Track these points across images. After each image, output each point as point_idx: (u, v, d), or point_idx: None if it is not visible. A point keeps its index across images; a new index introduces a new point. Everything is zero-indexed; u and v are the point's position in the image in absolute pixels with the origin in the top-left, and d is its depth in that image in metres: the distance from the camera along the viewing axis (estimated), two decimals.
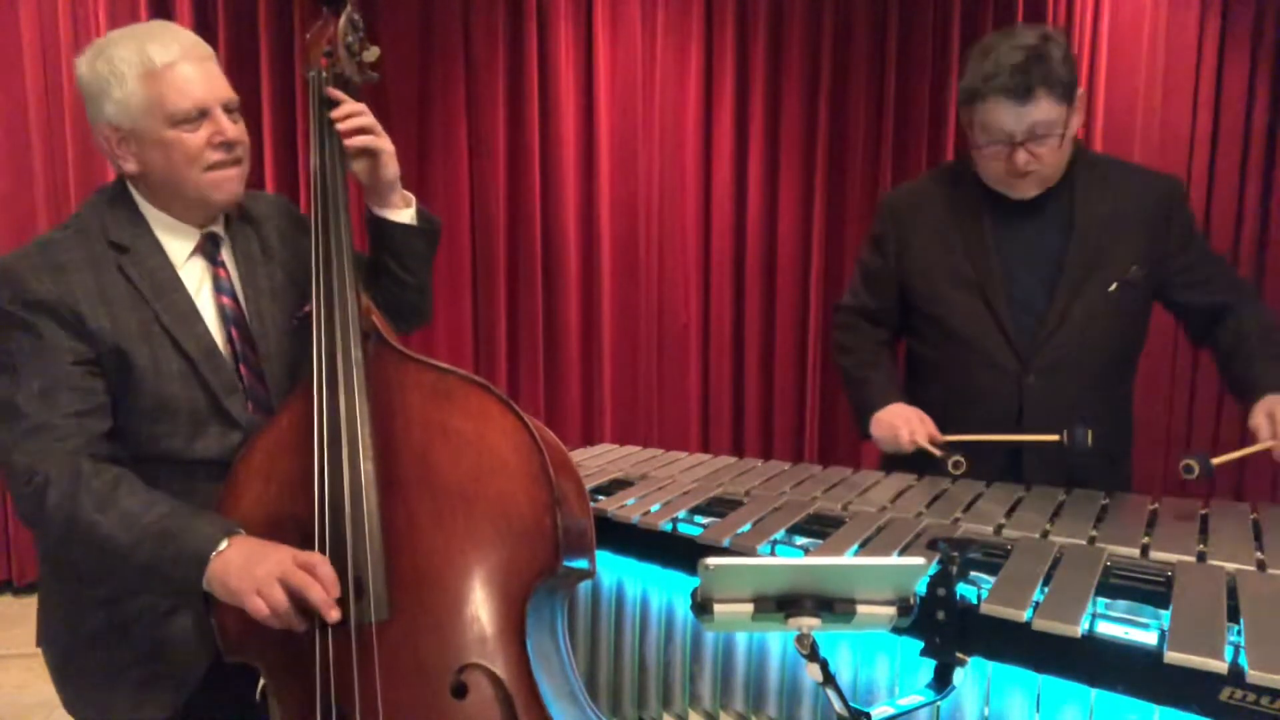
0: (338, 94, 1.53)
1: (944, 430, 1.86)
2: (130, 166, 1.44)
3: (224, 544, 1.30)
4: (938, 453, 1.81)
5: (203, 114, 1.41)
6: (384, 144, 1.54)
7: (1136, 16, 4.00)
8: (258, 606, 1.25)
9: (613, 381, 4.25)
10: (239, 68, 3.72)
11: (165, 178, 1.44)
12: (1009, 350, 1.88)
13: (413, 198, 1.64)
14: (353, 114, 1.52)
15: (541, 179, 4.07)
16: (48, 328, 1.36)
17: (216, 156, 1.43)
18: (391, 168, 1.56)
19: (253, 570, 1.27)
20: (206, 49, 1.46)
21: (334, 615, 1.27)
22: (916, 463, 1.88)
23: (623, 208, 4.17)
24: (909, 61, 4.15)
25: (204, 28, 3.71)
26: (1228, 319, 1.90)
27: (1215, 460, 1.60)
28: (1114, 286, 1.85)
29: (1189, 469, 1.58)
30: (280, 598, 1.25)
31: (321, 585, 1.26)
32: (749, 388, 4.37)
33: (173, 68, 1.39)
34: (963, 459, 1.78)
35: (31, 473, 1.33)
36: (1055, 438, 1.76)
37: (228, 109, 1.44)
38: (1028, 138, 1.74)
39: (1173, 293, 1.92)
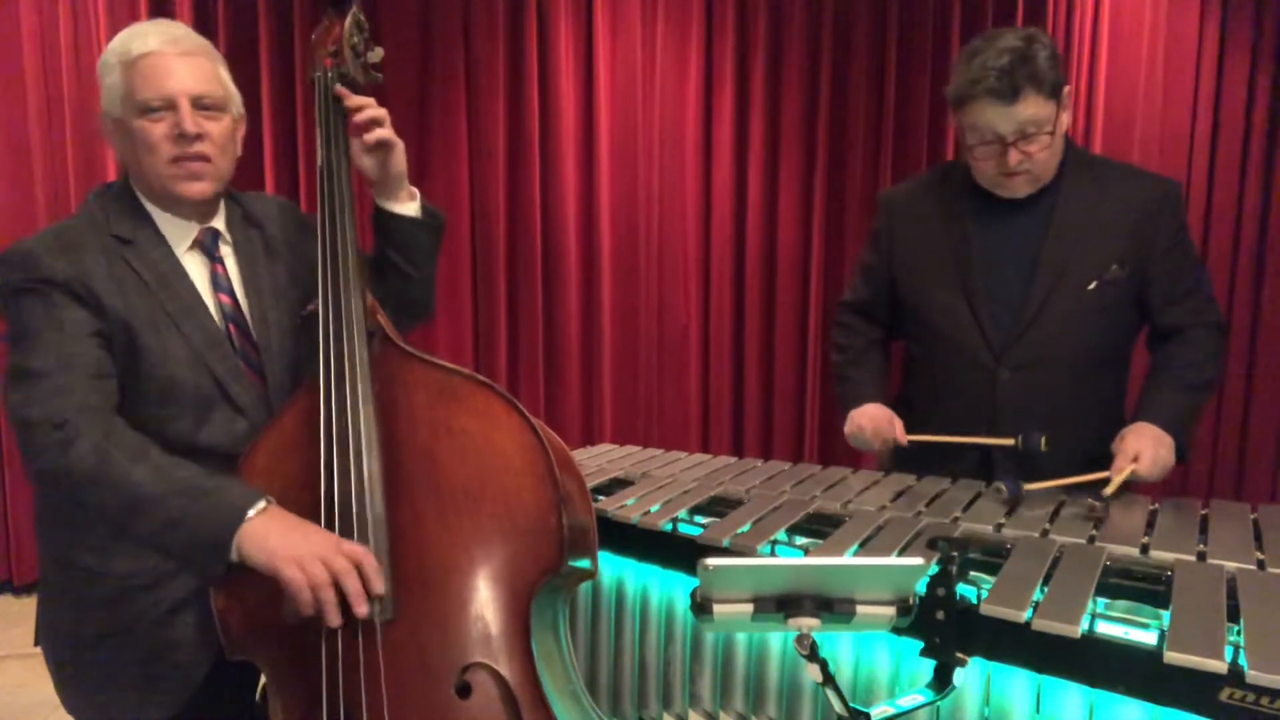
0: (347, 92, 1.54)
1: (925, 425, 1.92)
2: (118, 155, 1.49)
3: (263, 504, 1.30)
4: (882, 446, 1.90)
5: (168, 106, 1.42)
6: (396, 137, 1.56)
7: (1136, 16, 3.99)
8: (294, 575, 1.24)
9: (613, 381, 4.25)
10: (239, 68, 3.70)
11: (136, 168, 1.47)
12: (984, 345, 1.90)
13: (417, 191, 1.66)
14: (367, 107, 1.54)
15: (541, 179, 4.07)
16: (64, 302, 1.38)
17: (174, 150, 1.43)
18: (402, 161, 1.58)
19: (296, 539, 1.27)
20: (196, 44, 1.48)
21: (363, 609, 1.27)
22: (910, 461, 1.91)
23: (623, 208, 4.17)
24: (909, 61, 4.15)
25: (204, 28, 3.70)
26: (1173, 340, 1.90)
27: (1028, 486, 1.66)
28: (1093, 285, 1.85)
29: (998, 490, 1.63)
30: (322, 574, 1.24)
31: (366, 579, 1.27)
32: (749, 388, 4.37)
33: (146, 58, 1.42)
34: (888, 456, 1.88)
35: (59, 424, 1.31)
36: (1011, 441, 1.80)
37: (202, 105, 1.45)
38: (1018, 137, 1.76)
39: (1145, 297, 1.90)
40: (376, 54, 1.63)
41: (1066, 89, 1.79)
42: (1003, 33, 1.78)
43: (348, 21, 1.58)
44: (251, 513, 1.28)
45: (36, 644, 1.55)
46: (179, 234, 1.51)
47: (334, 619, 1.26)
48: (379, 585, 1.28)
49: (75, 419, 1.31)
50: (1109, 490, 1.62)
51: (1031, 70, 1.71)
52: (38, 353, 1.36)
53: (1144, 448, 1.73)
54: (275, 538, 1.27)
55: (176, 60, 1.44)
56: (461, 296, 4.08)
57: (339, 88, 1.54)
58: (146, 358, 1.42)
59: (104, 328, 1.40)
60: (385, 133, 1.53)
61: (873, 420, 1.94)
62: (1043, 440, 1.77)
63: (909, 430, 1.93)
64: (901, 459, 1.95)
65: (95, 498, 1.31)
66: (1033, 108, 1.73)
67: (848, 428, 1.99)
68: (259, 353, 1.53)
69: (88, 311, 1.39)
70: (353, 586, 1.26)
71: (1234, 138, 4.01)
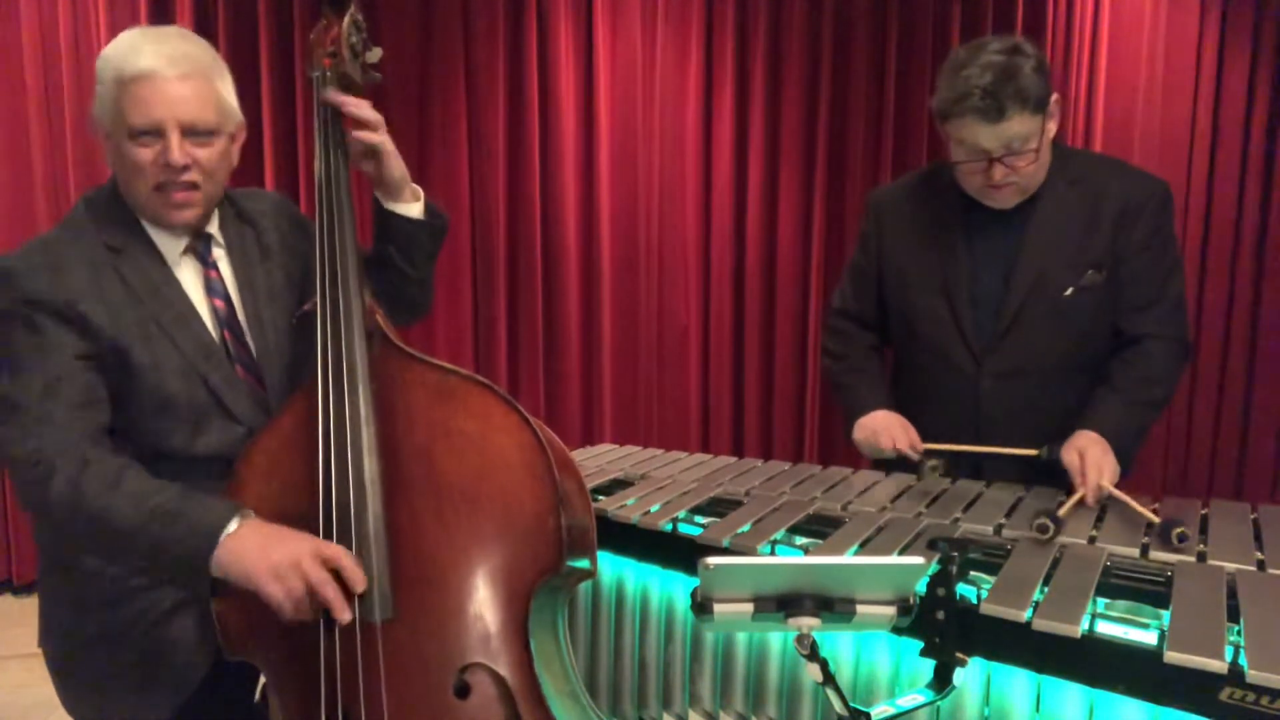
0: (335, 98, 1.52)
1: (924, 436, 1.88)
2: (108, 162, 1.45)
3: (235, 523, 1.29)
4: (916, 458, 1.84)
5: (157, 132, 1.38)
6: (386, 141, 1.53)
7: (1136, 16, 3.99)
8: (273, 593, 1.24)
9: (613, 381, 4.25)
10: (239, 68, 3.69)
11: (123, 184, 1.44)
12: (966, 353, 1.89)
13: (421, 191, 1.63)
14: (357, 107, 1.51)
15: (541, 179, 4.07)
16: (48, 324, 1.36)
17: (160, 176, 1.39)
18: (396, 166, 1.55)
19: (270, 554, 1.26)
20: (193, 64, 1.40)
21: (345, 616, 1.26)
22: (905, 467, 1.89)
23: (623, 208, 4.17)
24: (909, 62, 4.15)
25: (204, 28, 3.71)
26: (1129, 350, 1.85)
27: (1060, 513, 1.56)
28: (1070, 291, 1.82)
29: (1044, 528, 1.48)
30: (298, 586, 1.24)
31: (348, 578, 1.27)
32: (749, 388, 4.37)
33: (139, 80, 1.36)
34: (940, 463, 1.81)
35: (36, 461, 1.32)
36: (1035, 452, 1.75)
37: (193, 131, 1.39)
38: (1004, 152, 1.73)
39: (1117, 297, 1.85)
40: (375, 54, 1.62)
41: (1054, 98, 1.75)
42: (987, 44, 1.74)
43: (345, 21, 1.57)
44: (227, 531, 1.28)
45: (40, 644, 1.55)
46: (171, 241, 1.48)
47: (309, 618, 1.27)
48: (359, 584, 1.28)
49: (51, 455, 1.31)
50: (1063, 511, 1.57)
51: (1016, 87, 1.67)
52: (20, 381, 1.35)
53: (1091, 458, 1.67)
54: (251, 555, 1.26)
55: (170, 85, 1.37)
56: (461, 296, 4.07)
57: (328, 96, 1.51)
58: (139, 373, 1.40)
59: (91, 349, 1.38)
60: (372, 136, 1.50)
61: (887, 426, 1.89)
62: None
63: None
64: (896, 464, 1.91)
65: (77, 530, 1.34)
66: (1018, 125, 1.70)
67: (858, 434, 1.94)
68: (256, 357, 1.52)
69: (73, 333, 1.37)
70: (329, 595, 1.25)
71: (1234, 138, 4.02)
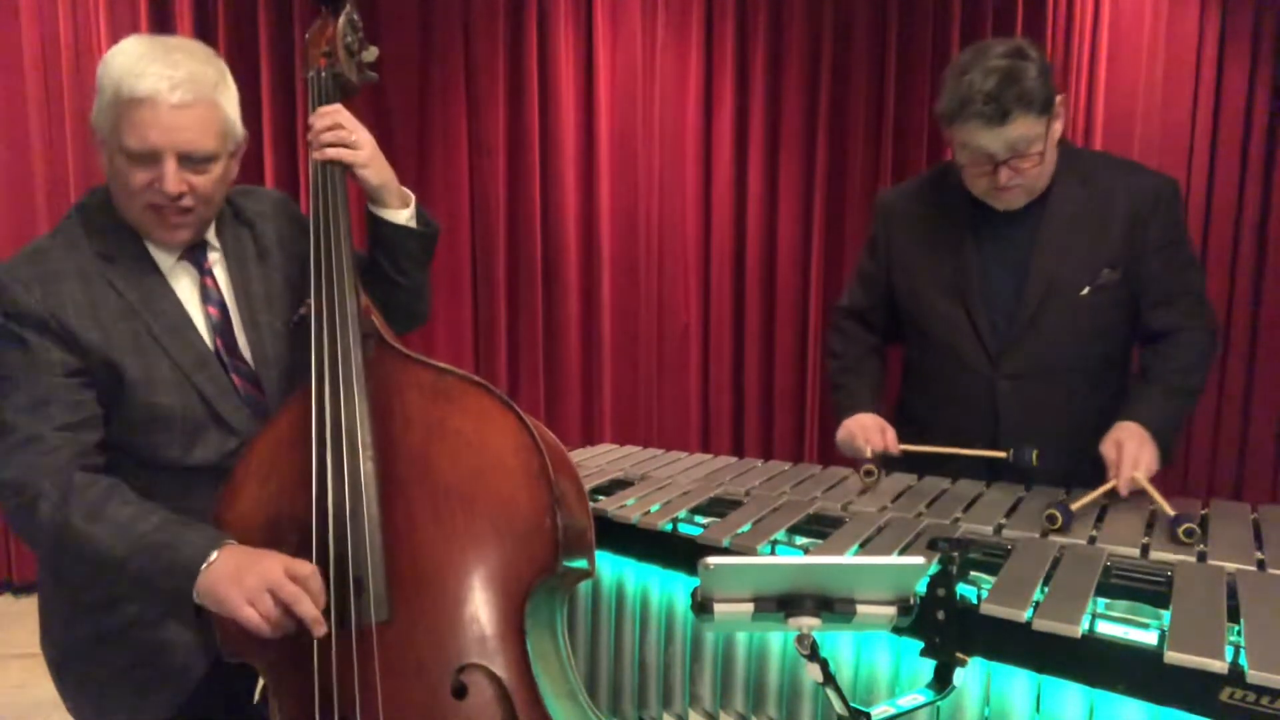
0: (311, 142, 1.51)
1: (926, 433, 1.89)
2: (103, 170, 1.43)
3: (214, 555, 1.28)
4: (869, 456, 1.84)
5: (153, 158, 1.35)
6: (354, 156, 1.50)
7: (1136, 17, 3.99)
8: (249, 616, 1.24)
9: (613, 381, 4.25)
10: (239, 68, 3.70)
11: (116, 198, 1.43)
12: (982, 354, 1.89)
13: (412, 197, 1.60)
14: (321, 128, 1.50)
15: (541, 179, 4.07)
16: (36, 340, 1.35)
17: (152, 200, 1.38)
18: (373, 175, 1.52)
19: (242, 579, 1.26)
20: (195, 91, 1.35)
21: (320, 631, 1.27)
22: (898, 468, 1.90)
23: (623, 207, 4.17)
24: (909, 62, 4.15)
25: (204, 28, 3.72)
26: (1163, 342, 1.86)
27: (1074, 506, 1.56)
28: (1085, 291, 1.83)
29: (1052, 519, 1.50)
30: (270, 606, 1.24)
31: (311, 594, 1.26)
32: (749, 388, 4.37)
33: (138, 104, 1.32)
34: (874, 469, 1.82)
35: (22, 487, 1.32)
36: (1002, 454, 1.76)
37: (190, 158, 1.36)
38: (1009, 155, 1.72)
39: (1137, 297, 1.86)
40: (371, 53, 1.62)
41: (1059, 99, 1.75)
42: (990, 47, 1.73)
43: (341, 21, 1.57)
44: (204, 566, 1.28)
45: (41, 645, 1.55)
46: (165, 249, 1.46)
47: (293, 629, 1.28)
48: (320, 600, 1.28)
49: (37, 481, 1.31)
50: (1081, 503, 1.58)
51: (1020, 91, 1.67)
52: (8, 400, 1.34)
53: (1128, 450, 1.68)
54: (224, 584, 1.26)
55: (170, 113, 1.33)
56: (461, 296, 4.08)
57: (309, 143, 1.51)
58: (131, 387, 1.39)
59: (82, 364, 1.36)
60: (334, 153, 1.49)
61: (864, 429, 1.90)
62: (1034, 455, 1.72)
63: (907, 439, 1.90)
64: (892, 468, 1.91)
65: (64, 560, 1.35)
66: (1022, 128, 1.69)
67: (840, 435, 1.96)
68: (252, 363, 1.50)
69: (63, 349, 1.35)
70: (304, 611, 1.26)
71: (1234, 138, 4.02)
